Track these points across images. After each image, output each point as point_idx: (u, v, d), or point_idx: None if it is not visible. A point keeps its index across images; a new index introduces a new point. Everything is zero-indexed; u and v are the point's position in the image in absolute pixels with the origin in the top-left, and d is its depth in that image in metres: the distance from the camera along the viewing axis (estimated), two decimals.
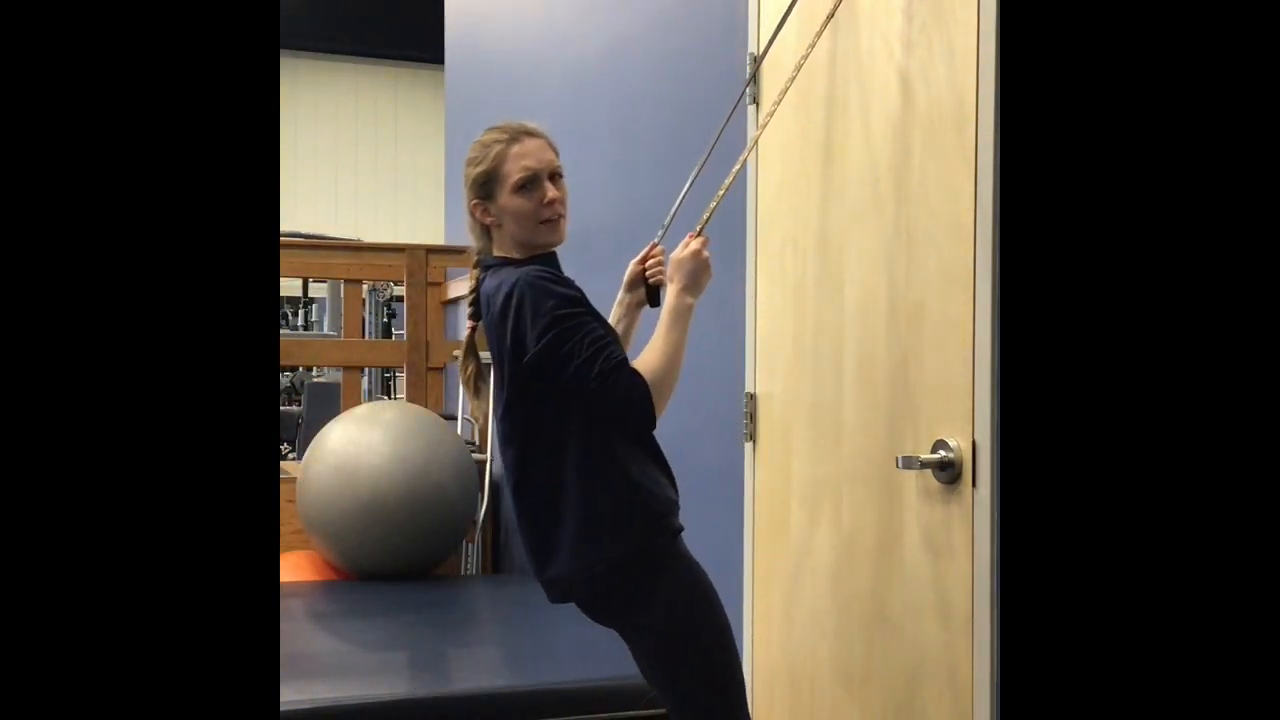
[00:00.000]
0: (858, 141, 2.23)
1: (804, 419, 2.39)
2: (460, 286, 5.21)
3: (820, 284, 2.34)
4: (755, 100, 2.59)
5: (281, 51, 8.14)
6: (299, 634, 3.18)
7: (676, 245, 2.05)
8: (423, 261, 4.98)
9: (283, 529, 4.38)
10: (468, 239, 2.06)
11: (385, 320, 8.09)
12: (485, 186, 1.97)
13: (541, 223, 1.97)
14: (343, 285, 5.51)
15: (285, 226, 9.12)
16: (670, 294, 1.99)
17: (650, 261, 2.16)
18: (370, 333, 7.67)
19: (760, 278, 2.58)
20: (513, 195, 1.95)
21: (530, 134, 1.98)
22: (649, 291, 2.17)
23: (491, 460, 4.84)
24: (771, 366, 2.53)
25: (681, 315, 1.96)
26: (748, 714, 1.97)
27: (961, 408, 1.94)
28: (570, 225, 2.06)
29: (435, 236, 7.64)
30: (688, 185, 2.25)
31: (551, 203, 1.97)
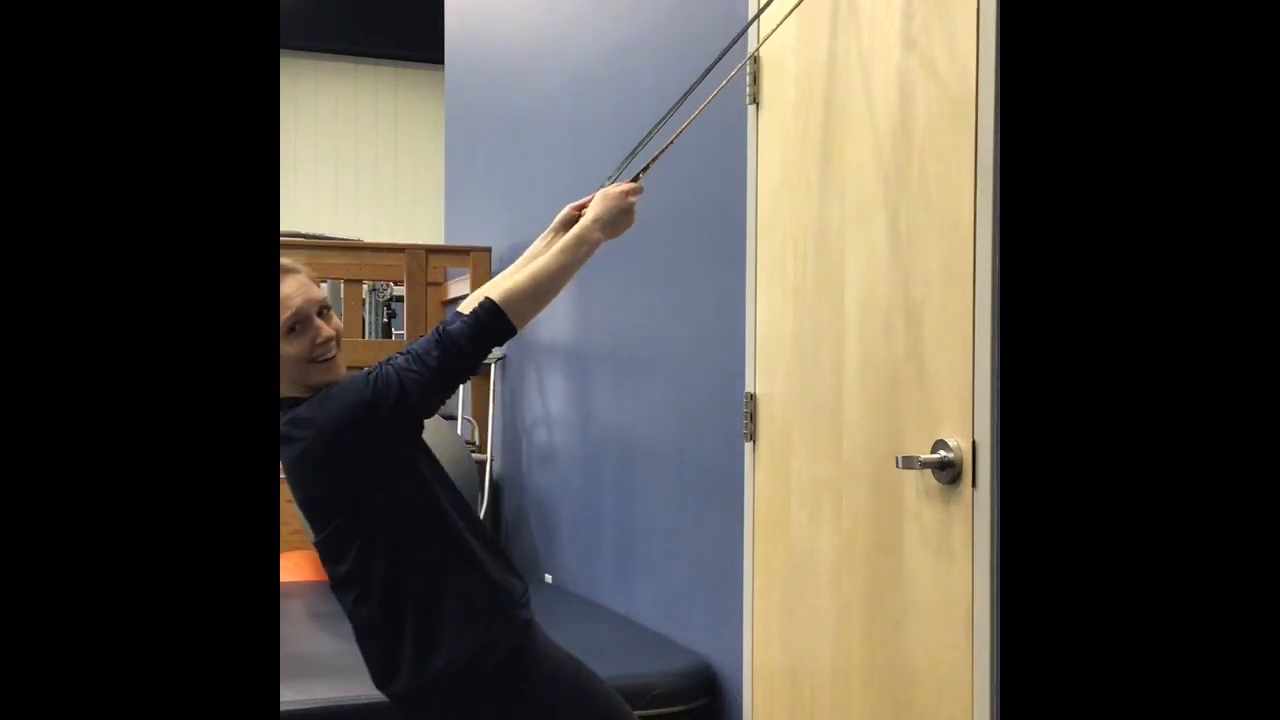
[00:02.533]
0: (858, 141, 2.23)
1: (804, 419, 2.39)
2: (460, 286, 5.21)
3: (820, 284, 2.34)
4: (755, 100, 2.59)
5: (281, 51, 8.13)
6: (299, 634, 3.18)
7: None
8: (423, 261, 4.97)
9: (283, 529, 4.38)
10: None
11: (385, 320, 8.09)
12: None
13: (313, 362, 1.89)
14: (343, 285, 5.51)
15: (285, 226, 9.12)
16: (581, 221, 1.95)
17: (585, 207, 2.13)
18: (370, 333, 7.67)
19: (760, 278, 2.58)
20: (284, 340, 1.85)
21: (287, 271, 1.88)
22: None
23: (491, 460, 4.84)
24: (771, 366, 2.53)
25: (580, 243, 1.91)
26: None
27: (961, 408, 1.94)
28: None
29: (435, 236, 7.64)
30: (645, 138, 2.23)
31: (326, 341, 1.89)
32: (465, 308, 1.93)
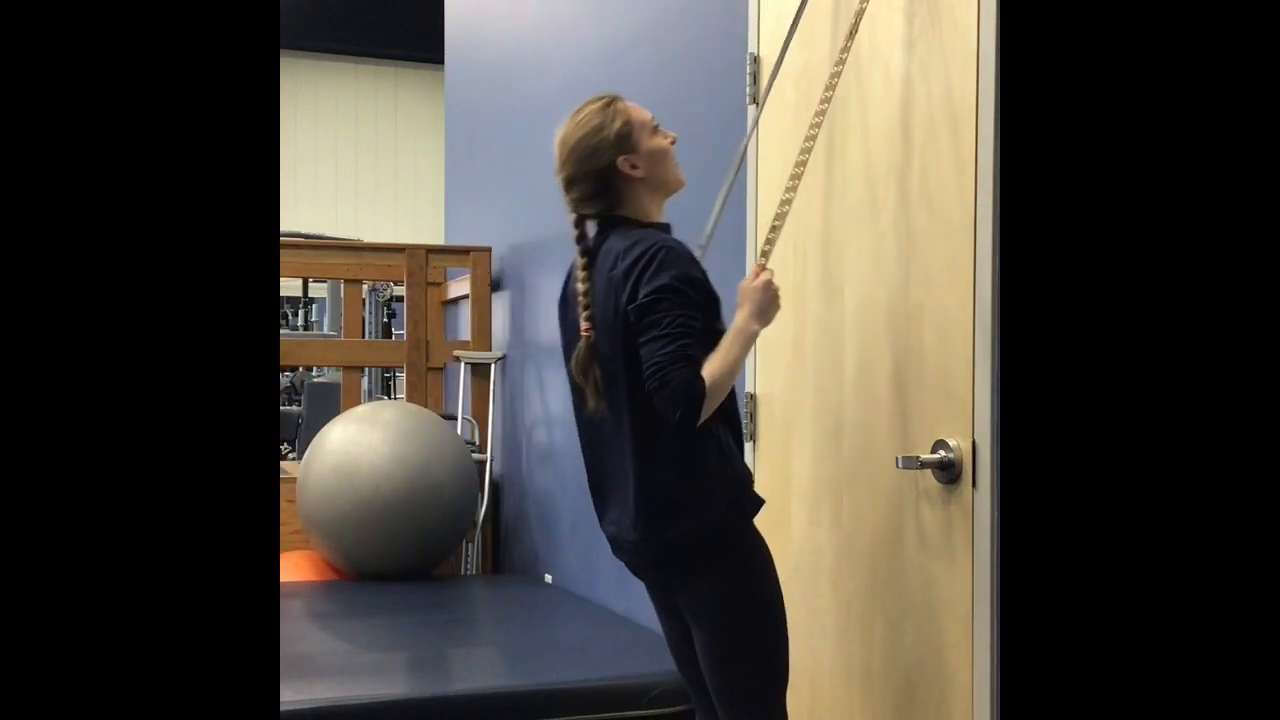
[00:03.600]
0: (858, 141, 2.23)
1: (804, 419, 2.39)
2: (460, 286, 5.21)
3: (820, 284, 2.34)
4: (755, 101, 2.59)
5: (281, 51, 8.14)
6: (299, 634, 3.18)
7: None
8: (423, 261, 4.97)
9: (283, 529, 4.38)
10: (574, 213, 2.05)
11: (385, 320, 8.09)
12: (627, 139, 2.03)
13: (674, 162, 2.08)
14: (343, 285, 5.51)
15: (285, 226, 9.12)
16: (739, 316, 2.01)
17: None
18: (370, 333, 7.68)
19: None
20: (654, 138, 2.06)
21: (618, 96, 2.11)
22: None
23: (491, 460, 4.84)
24: (771, 366, 2.53)
25: (747, 338, 1.99)
26: (783, 710, 1.97)
27: (961, 408, 1.94)
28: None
29: (435, 236, 7.64)
30: (721, 201, 2.26)
31: (673, 141, 2.09)
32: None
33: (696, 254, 2.08)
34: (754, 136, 2.60)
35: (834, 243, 2.30)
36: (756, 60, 2.57)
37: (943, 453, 1.95)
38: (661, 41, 3.27)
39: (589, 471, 2.13)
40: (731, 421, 2.02)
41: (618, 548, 2.06)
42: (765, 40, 2.52)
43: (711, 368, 1.90)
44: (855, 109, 2.23)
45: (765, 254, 2.08)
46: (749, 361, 2.61)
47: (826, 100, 2.14)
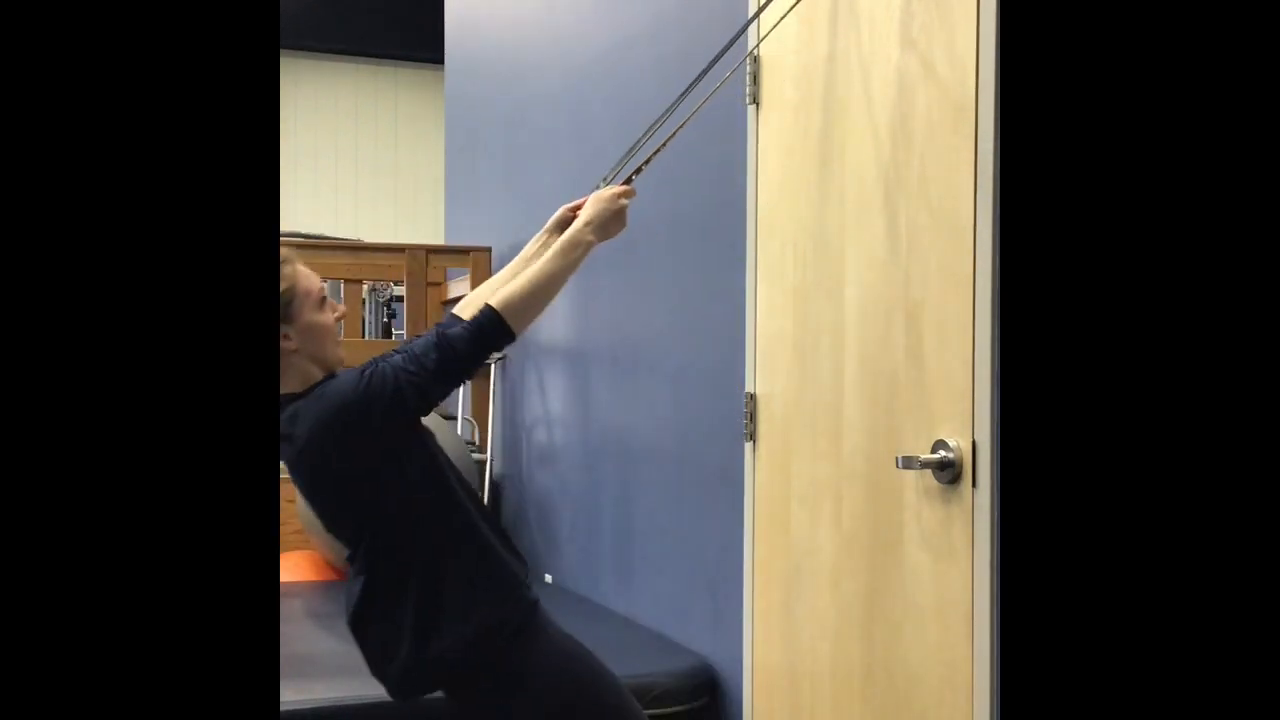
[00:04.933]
0: (858, 141, 2.23)
1: (804, 419, 2.39)
2: (460, 286, 5.21)
3: (820, 284, 2.34)
4: (755, 100, 2.59)
5: (281, 51, 8.12)
6: (299, 634, 3.18)
7: None
8: (423, 261, 4.97)
9: (283, 529, 4.38)
10: None
11: (385, 320, 8.09)
12: (285, 309, 1.87)
13: (335, 340, 1.95)
14: (343, 285, 5.50)
15: (285, 226, 9.11)
16: (574, 225, 1.96)
17: (579, 209, 2.14)
18: (370, 333, 7.67)
19: (760, 278, 2.58)
20: (315, 311, 1.91)
21: (288, 260, 1.92)
22: None
23: (491, 460, 4.84)
24: (771, 366, 2.53)
25: (574, 247, 1.92)
26: None
27: (961, 408, 1.94)
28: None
29: (435, 236, 7.63)
30: (637, 139, 2.24)
31: (340, 318, 1.97)
32: (464, 311, 1.93)
33: (595, 188, 2.04)
34: (754, 138, 2.60)
35: (834, 243, 2.29)
36: (756, 60, 2.57)
37: (943, 453, 1.95)
38: (661, 41, 3.27)
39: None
40: (489, 524, 1.93)
41: (395, 683, 1.94)
42: (765, 41, 2.52)
43: (521, 278, 1.86)
44: (855, 109, 2.23)
45: (636, 173, 2.04)
46: (749, 361, 2.62)
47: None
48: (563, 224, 2.12)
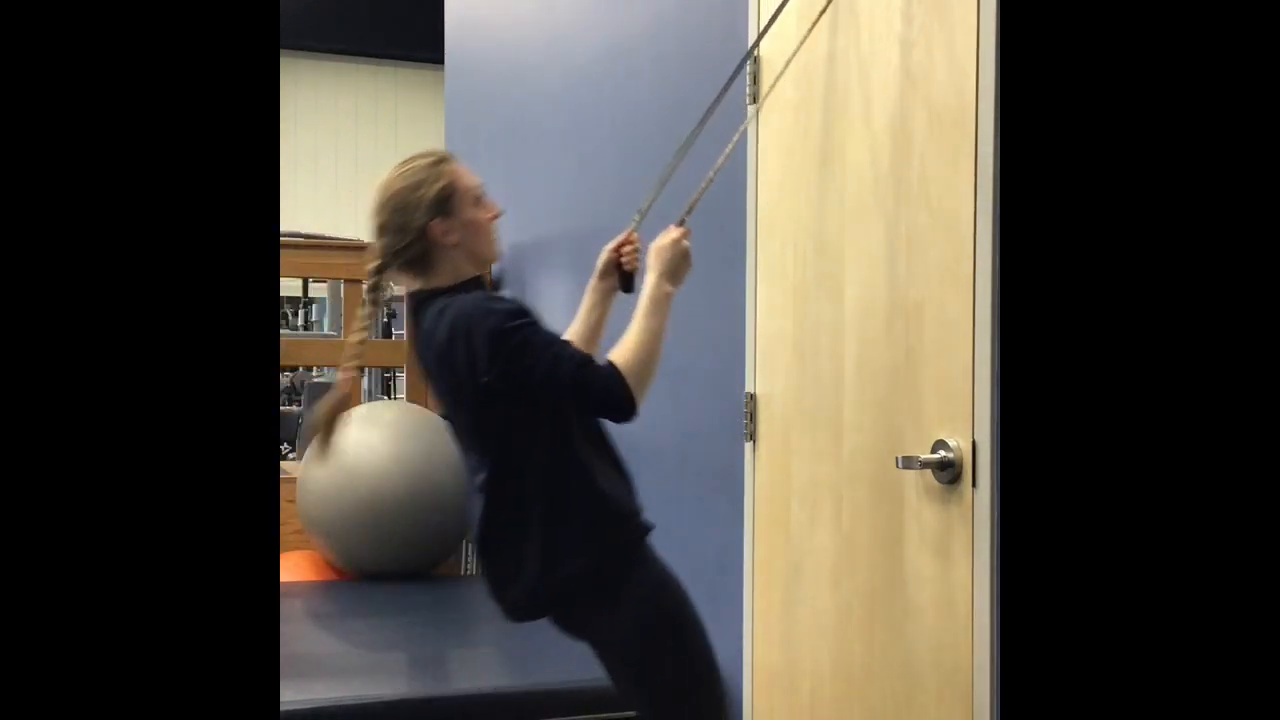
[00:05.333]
0: (858, 141, 2.23)
1: (804, 419, 2.39)
2: None
3: (820, 284, 2.34)
4: (755, 101, 2.59)
5: (281, 51, 8.13)
6: (299, 634, 3.18)
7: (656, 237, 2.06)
8: None
9: (283, 529, 4.37)
10: (377, 259, 2.00)
11: (385, 320, 8.08)
12: (446, 203, 1.96)
13: (489, 237, 2.02)
14: (343, 285, 5.50)
15: (285, 226, 9.09)
16: (649, 282, 1.98)
17: (626, 248, 2.16)
18: (370, 333, 7.65)
19: (760, 278, 2.58)
20: (475, 208, 1.99)
21: (449, 158, 2.02)
22: (623, 278, 2.17)
23: None
24: (771, 366, 2.53)
25: (660, 304, 1.95)
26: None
27: (961, 408, 1.94)
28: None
29: None
30: (667, 173, 2.25)
31: (496, 216, 2.03)
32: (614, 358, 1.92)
33: (632, 223, 2.05)
34: (754, 138, 2.60)
35: (834, 243, 2.29)
36: (757, 60, 2.57)
37: (943, 453, 1.95)
38: (661, 41, 3.26)
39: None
40: (604, 450, 1.97)
41: (512, 607, 1.99)
42: (765, 40, 2.52)
43: (627, 346, 1.88)
44: (855, 109, 2.23)
45: (688, 213, 2.05)
46: (749, 361, 2.61)
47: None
48: (610, 266, 2.16)
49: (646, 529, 1.97)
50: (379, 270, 2.00)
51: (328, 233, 9.85)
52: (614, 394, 1.86)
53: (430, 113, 11.58)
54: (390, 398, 8.16)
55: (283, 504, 4.31)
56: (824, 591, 2.31)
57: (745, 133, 2.62)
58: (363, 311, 2.02)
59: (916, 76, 2.05)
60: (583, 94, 3.94)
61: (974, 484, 1.90)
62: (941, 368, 1.98)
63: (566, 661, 2.94)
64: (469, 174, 2.01)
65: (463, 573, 4.69)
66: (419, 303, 1.99)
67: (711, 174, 2.13)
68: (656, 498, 3.23)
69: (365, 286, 2.02)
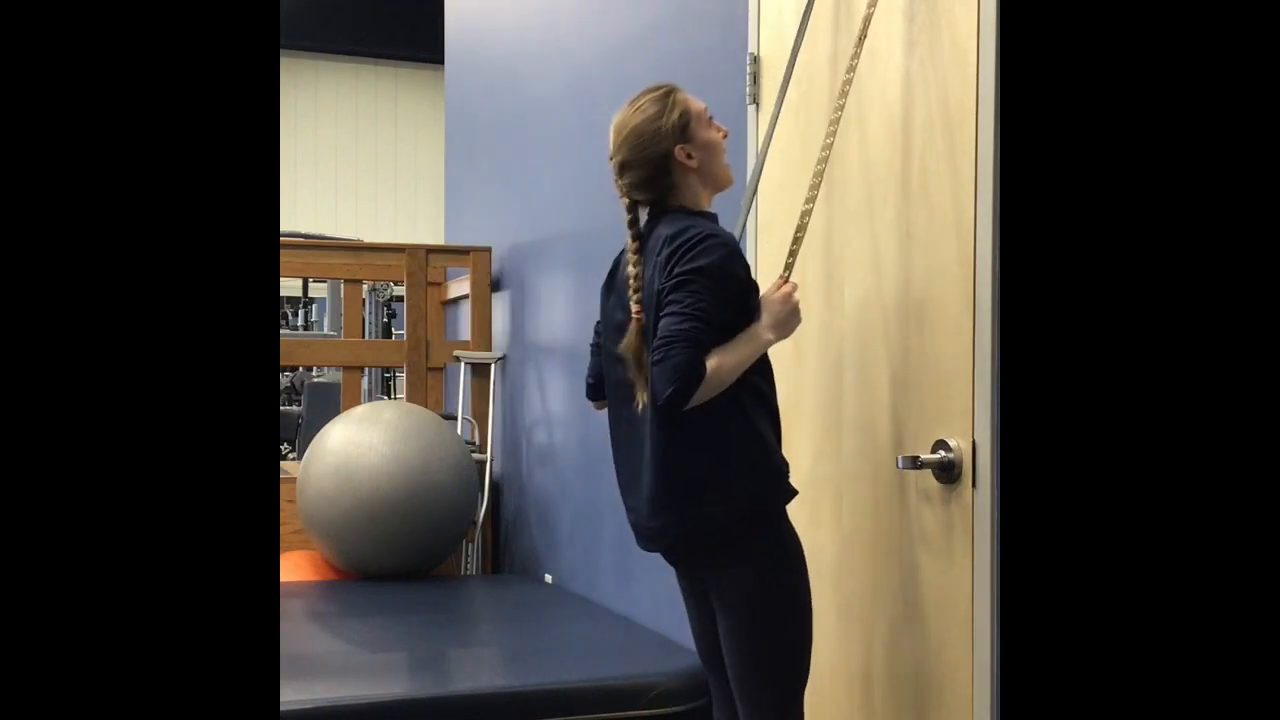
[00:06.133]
0: (858, 141, 2.23)
1: (804, 419, 2.39)
2: (460, 286, 5.21)
3: (820, 284, 2.34)
4: (755, 101, 2.59)
5: (281, 51, 8.14)
6: (299, 634, 3.18)
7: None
8: (423, 261, 4.97)
9: (283, 529, 4.38)
10: (625, 197, 2.04)
11: (385, 320, 8.09)
12: (685, 129, 2.02)
13: (724, 157, 2.08)
14: (343, 285, 5.51)
15: (285, 226, 9.12)
16: (758, 324, 1.98)
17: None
18: (370, 333, 7.68)
19: (760, 278, 2.57)
20: (709, 130, 2.06)
21: (676, 87, 2.09)
22: None
23: (491, 460, 4.84)
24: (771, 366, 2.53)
25: (757, 344, 1.95)
26: (800, 706, 1.97)
27: (961, 408, 1.94)
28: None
29: (435, 236, 7.63)
30: (740, 220, 2.24)
31: (726, 135, 2.10)
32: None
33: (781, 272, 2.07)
34: (756, 139, 2.60)
35: (834, 243, 2.30)
36: (756, 60, 2.57)
37: (943, 453, 1.95)
38: (661, 41, 3.27)
39: (618, 466, 2.09)
40: (774, 418, 2.01)
41: (640, 536, 2.04)
42: (765, 40, 2.52)
43: (716, 361, 1.88)
44: (855, 109, 2.23)
45: (789, 266, 2.07)
46: None
47: (840, 109, 2.12)
48: None
49: (790, 494, 1.99)
50: (632, 208, 2.05)
51: (328, 233, 9.86)
52: (682, 385, 1.85)
53: (430, 113, 11.60)
54: (390, 398, 8.17)
55: (283, 504, 4.31)
56: (824, 591, 2.31)
57: (745, 125, 2.62)
58: (631, 248, 2.02)
59: (916, 77, 2.06)
60: (583, 94, 3.94)
61: (974, 484, 1.90)
62: (941, 368, 1.98)
63: (566, 661, 2.94)
64: (696, 100, 2.07)
65: (462, 573, 4.70)
66: (659, 213, 2.03)
67: (807, 211, 2.12)
68: None
69: (627, 224, 2.04)
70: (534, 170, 4.49)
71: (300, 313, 10.67)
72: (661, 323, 1.87)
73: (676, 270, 1.88)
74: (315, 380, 8.50)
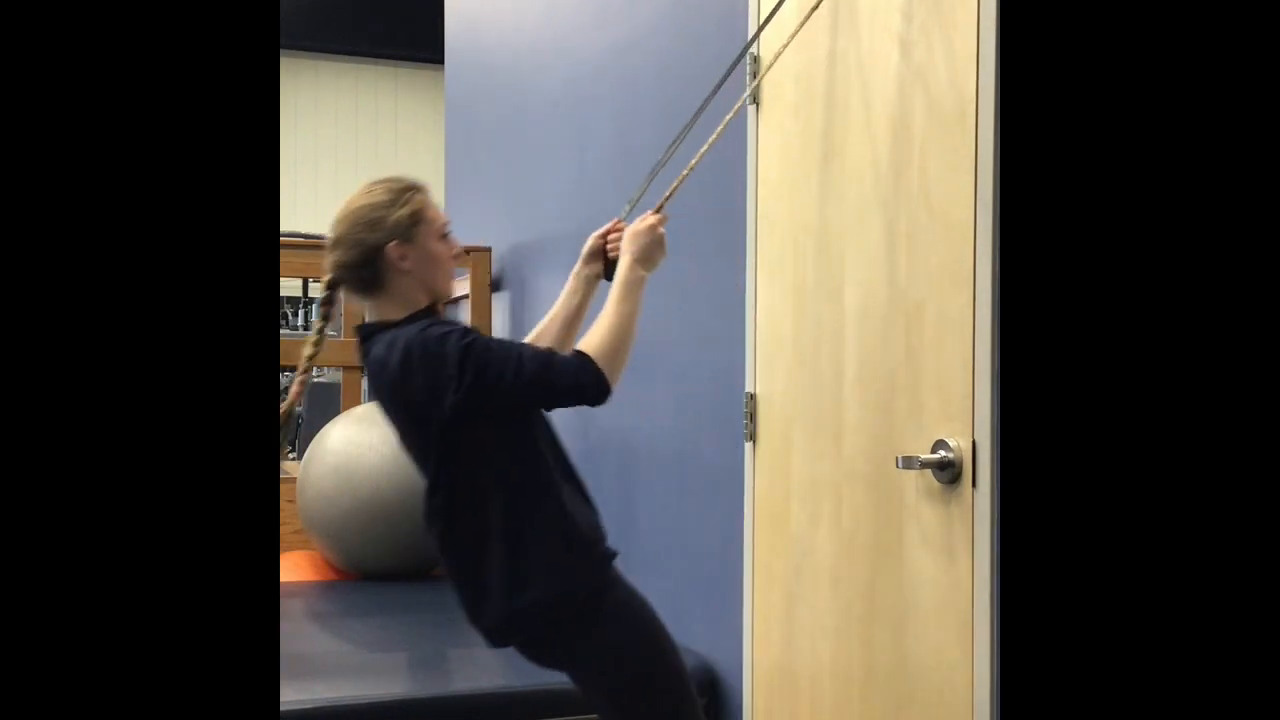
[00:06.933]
0: (858, 141, 2.23)
1: (804, 419, 2.39)
2: (460, 286, 5.21)
3: (820, 284, 2.34)
4: (755, 101, 2.59)
5: (281, 51, 8.12)
6: (299, 634, 3.18)
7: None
8: None
9: (283, 529, 4.38)
10: (329, 274, 1.98)
11: None
12: (410, 230, 1.94)
13: (448, 273, 2.02)
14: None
15: (285, 226, 9.10)
16: (622, 265, 1.98)
17: (612, 235, 2.15)
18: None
19: (760, 278, 2.58)
20: (438, 241, 1.98)
21: (421, 188, 2.00)
22: (607, 265, 2.17)
23: None
24: (771, 366, 2.53)
25: (633, 287, 1.94)
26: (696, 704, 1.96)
27: (961, 408, 1.94)
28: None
29: None
30: (659, 165, 2.25)
31: (458, 255, 2.02)
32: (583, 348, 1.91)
33: (622, 213, 2.05)
34: (754, 137, 2.60)
35: (834, 243, 2.30)
36: (757, 60, 2.57)
37: (943, 453, 1.95)
38: (661, 41, 3.27)
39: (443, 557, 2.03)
40: (570, 476, 1.97)
41: (486, 633, 1.97)
42: (765, 40, 2.52)
43: (597, 330, 1.87)
44: (855, 109, 2.23)
45: (667, 199, 2.06)
46: (749, 361, 2.62)
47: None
48: (595, 253, 2.15)
49: (612, 554, 1.95)
50: (331, 285, 1.98)
51: (328, 233, 9.81)
52: (583, 379, 1.85)
53: (430, 113, 11.59)
54: None
55: (283, 504, 4.31)
56: (824, 591, 2.31)
57: (745, 126, 2.62)
58: (315, 325, 2.00)
59: (916, 76, 2.05)
60: (583, 94, 3.94)
61: (974, 484, 1.90)
62: (941, 368, 1.98)
63: None
64: (436, 209, 1.99)
65: None
66: (365, 335, 1.97)
67: (693, 161, 2.13)
68: (657, 498, 3.24)
69: (317, 301, 2.00)
70: (534, 170, 4.49)
71: (300, 313, 10.66)
72: (499, 382, 1.81)
73: (456, 385, 1.81)
74: (315, 380, 8.49)
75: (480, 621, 1.95)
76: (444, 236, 1.99)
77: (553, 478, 1.93)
